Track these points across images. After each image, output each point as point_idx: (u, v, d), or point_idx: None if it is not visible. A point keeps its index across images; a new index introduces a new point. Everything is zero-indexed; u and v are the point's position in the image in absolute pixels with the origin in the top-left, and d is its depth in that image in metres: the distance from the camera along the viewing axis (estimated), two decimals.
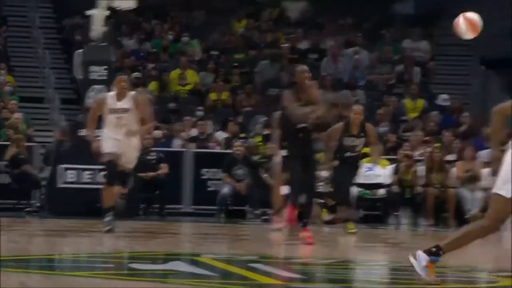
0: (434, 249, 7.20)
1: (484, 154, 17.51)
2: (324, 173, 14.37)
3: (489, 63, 22.88)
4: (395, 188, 15.88)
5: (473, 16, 7.79)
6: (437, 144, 18.04)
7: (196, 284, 6.67)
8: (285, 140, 10.99)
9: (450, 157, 17.55)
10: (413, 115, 19.36)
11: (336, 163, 12.80)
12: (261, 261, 8.53)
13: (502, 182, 7.01)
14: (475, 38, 23.03)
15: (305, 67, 11.83)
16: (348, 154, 12.54)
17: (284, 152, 11.06)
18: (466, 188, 17.00)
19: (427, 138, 18.39)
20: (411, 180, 16.47)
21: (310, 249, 10.56)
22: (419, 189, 16.55)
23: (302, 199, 10.79)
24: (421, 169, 16.70)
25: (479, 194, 16.76)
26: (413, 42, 23.54)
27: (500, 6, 23.34)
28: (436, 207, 16.92)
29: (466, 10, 27.00)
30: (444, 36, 23.50)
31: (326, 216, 15.34)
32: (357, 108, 13.62)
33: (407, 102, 19.74)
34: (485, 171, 16.93)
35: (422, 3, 24.93)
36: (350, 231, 13.26)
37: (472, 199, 16.84)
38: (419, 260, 7.29)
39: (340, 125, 12.77)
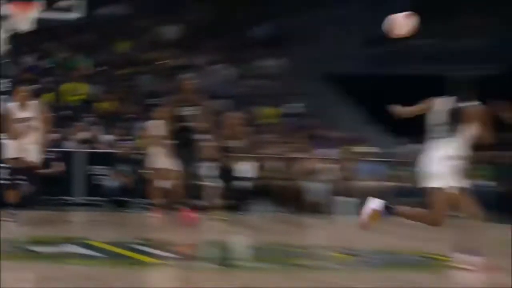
0: (390, 207, 7.11)
1: (326, 152, 18.35)
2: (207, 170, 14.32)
3: (335, 78, 23.08)
4: (256, 181, 15.99)
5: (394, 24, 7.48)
6: (290, 144, 18.21)
7: (88, 263, 6.63)
8: (174, 137, 10.99)
9: (300, 155, 17.65)
10: (272, 120, 19.91)
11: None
12: (145, 244, 8.49)
13: (436, 177, 6.97)
14: (324, 56, 22.41)
15: (189, 75, 12.13)
16: (224, 153, 12.41)
17: (172, 143, 11.10)
18: (310, 180, 17.04)
19: (282, 139, 18.64)
20: (269, 174, 16.66)
21: (188, 233, 10.48)
22: (275, 181, 16.62)
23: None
24: (276, 164, 16.88)
25: (320, 186, 16.98)
26: (272, 59, 23.87)
27: (348, 28, 24.06)
28: (288, 197, 16.78)
29: (314, 32, 26.66)
30: (297, 53, 23.76)
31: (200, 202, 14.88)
32: (232, 114, 13.67)
33: (267, 110, 20.24)
34: (325, 166, 17.58)
35: (277, 27, 25.40)
36: (221, 218, 13.25)
37: (314, 190, 16.89)
38: (372, 204, 7.18)
39: (223, 129, 12.73)
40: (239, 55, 23.89)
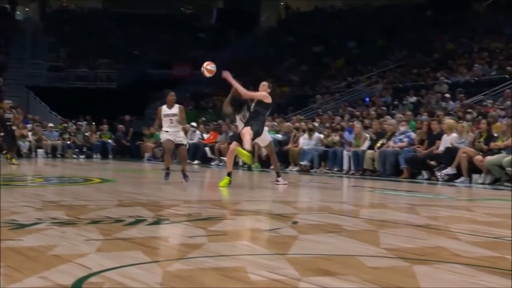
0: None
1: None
2: None
3: (31, 88, 27.28)
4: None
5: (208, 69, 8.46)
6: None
7: None
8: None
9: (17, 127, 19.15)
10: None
11: None
12: None
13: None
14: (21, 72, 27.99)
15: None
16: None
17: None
18: (22, 140, 20.04)
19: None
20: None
21: None
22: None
23: None
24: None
25: (27, 143, 20.37)
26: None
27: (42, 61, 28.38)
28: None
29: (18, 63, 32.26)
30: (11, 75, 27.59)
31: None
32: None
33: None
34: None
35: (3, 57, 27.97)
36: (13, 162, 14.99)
37: (24, 145, 20.12)
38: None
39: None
40: None
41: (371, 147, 13.57)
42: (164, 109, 9.23)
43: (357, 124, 14.52)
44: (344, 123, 16.53)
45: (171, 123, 9.18)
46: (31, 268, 3.10)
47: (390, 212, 6.22)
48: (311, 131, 15.37)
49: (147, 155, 21.10)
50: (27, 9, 35.93)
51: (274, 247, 3.84)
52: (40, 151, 20.84)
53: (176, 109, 9.22)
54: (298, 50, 30.16)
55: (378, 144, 13.36)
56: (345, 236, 4.30)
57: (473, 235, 4.44)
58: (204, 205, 6.61)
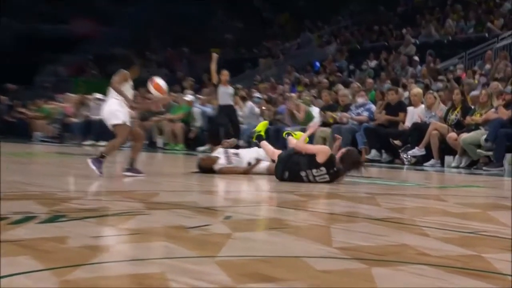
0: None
1: None
2: None
3: None
4: None
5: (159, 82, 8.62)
6: None
7: None
8: None
9: None
10: None
11: None
12: None
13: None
14: None
15: None
16: None
17: None
18: None
19: None
20: None
21: None
22: None
23: None
24: None
25: None
26: None
27: None
28: None
29: None
30: None
31: None
32: None
33: None
34: None
35: None
36: None
37: None
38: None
39: None
40: None
41: (322, 124, 13.70)
42: None
43: (290, 99, 14.55)
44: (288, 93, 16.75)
45: None
46: None
47: (344, 203, 6.34)
48: (243, 99, 15.43)
49: (38, 134, 20.77)
50: None
51: (201, 248, 3.88)
52: None
53: None
54: (232, 3, 30.27)
55: (331, 120, 13.52)
56: (289, 234, 4.36)
57: (444, 230, 4.58)
58: (114, 197, 6.61)
